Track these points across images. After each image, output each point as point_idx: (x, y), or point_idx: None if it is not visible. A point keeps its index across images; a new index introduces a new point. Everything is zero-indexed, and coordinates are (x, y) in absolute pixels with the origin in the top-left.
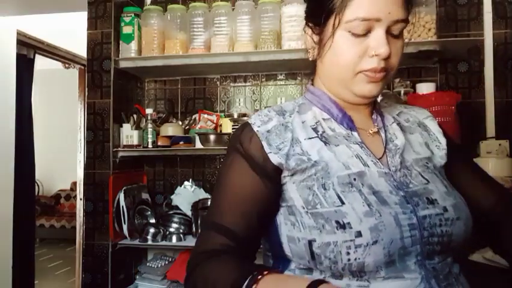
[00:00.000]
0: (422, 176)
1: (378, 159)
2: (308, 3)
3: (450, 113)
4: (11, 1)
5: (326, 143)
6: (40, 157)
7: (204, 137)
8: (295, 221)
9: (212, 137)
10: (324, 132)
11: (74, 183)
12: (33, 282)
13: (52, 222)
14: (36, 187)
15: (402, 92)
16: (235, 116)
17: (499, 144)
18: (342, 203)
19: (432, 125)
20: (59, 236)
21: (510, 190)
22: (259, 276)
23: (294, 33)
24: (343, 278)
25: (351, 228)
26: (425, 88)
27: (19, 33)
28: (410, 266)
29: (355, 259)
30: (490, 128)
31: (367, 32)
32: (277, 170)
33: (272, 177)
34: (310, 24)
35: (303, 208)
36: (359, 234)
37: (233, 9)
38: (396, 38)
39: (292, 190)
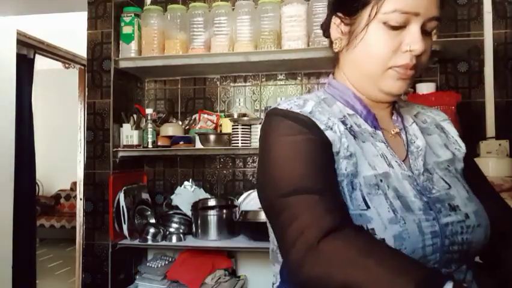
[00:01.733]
0: (443, 180)
1: (402, 161)
2: None
3: (450, 113)
4: (11, 1)
5: (354, 137)
6: (40, 157)
7: (204, 137)
8: None
9: (212, 137)
10: (351, 126)
11: (74, 183)
12: (34, 283)
13: (52, 222)
14: (37, 187)
15: None
16: (235, 116)
17: (499, 144)
18: (368, 206)
19: (451, 128)
20: (59, 236)
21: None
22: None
23: (294, 33)
24: None
25: (375, 235)
26: (425, 88)
27: (19, 33)
28: None
29: None
30: (490, 128)
31: (402, 26)
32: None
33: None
34: (339, 14)
35: None
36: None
37: (233, 9)
38: (428, 36)
39: None
